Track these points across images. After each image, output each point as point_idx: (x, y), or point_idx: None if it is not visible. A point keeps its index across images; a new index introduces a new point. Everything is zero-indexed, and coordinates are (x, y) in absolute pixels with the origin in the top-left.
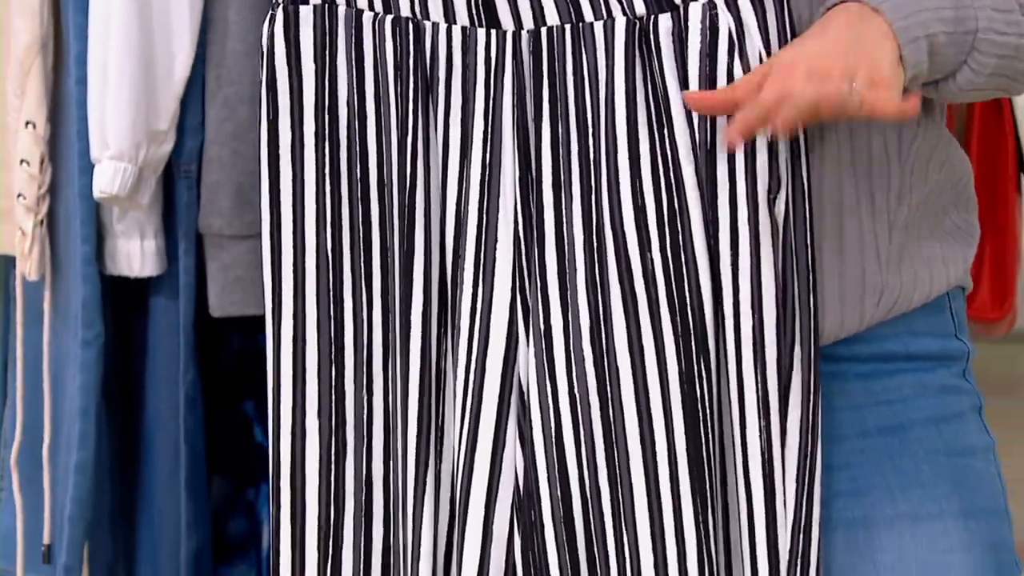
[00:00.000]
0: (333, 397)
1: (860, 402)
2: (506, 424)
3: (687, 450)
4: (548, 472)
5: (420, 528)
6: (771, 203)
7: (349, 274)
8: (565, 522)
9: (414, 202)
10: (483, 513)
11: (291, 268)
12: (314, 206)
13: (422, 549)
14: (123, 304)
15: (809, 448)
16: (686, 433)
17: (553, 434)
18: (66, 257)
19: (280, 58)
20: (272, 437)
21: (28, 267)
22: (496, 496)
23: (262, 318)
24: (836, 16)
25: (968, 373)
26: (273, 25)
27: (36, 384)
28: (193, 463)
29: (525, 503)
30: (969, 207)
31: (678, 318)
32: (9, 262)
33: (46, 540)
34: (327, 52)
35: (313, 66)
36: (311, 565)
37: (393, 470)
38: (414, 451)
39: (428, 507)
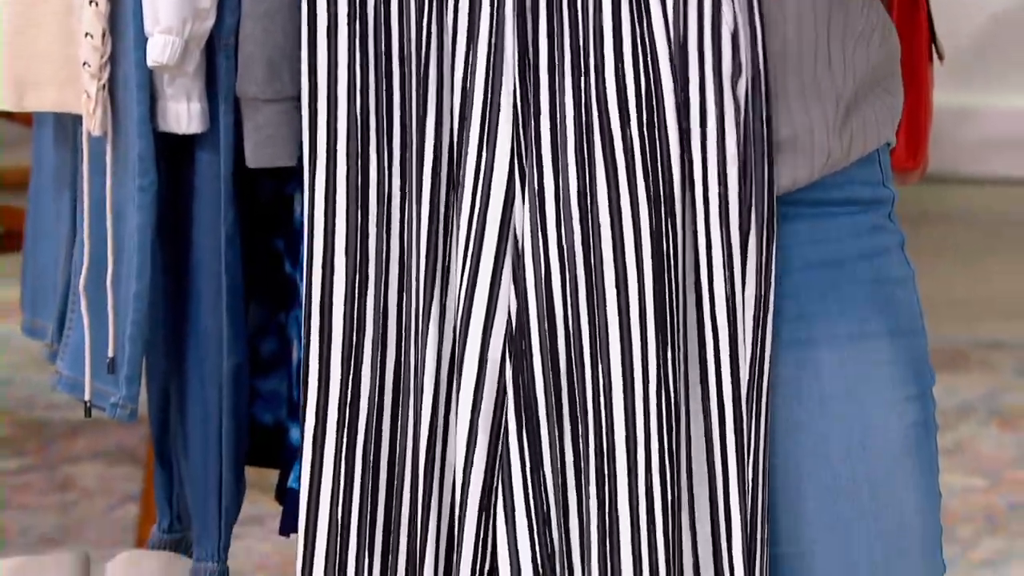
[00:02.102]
0: (358, 237)
1: (805, 240)
2: (502, 268)
3: (653, 295)
4: (537, 310)
5: (425, 349)
6: (734, 86)
7: (374, 134)
8: (551, 353)
9: (427, 76)
10: (480, 341)
11: (325, 128)
12: (346, 75)
13: (426, 368)
14: (173, 157)
15: (764, 292)
16: (654, 281)
17: (543, 278)
18: (124, 117)
19: None
20: (305, 271)
21: (92, 124)
22: (491, 328)
23: (291, 169)
24: None
25: (892, 215)
26: None
27: (100, 224)
28: (233, 291)
29: (516, 335)
30: (898, 74)
31: (651, 185)
32: (76, 120)
33: (110, 354)
34: None
35: None
36: (335, 377)
37: (406, 301)
38: (422, 285)
39: (433, 332)
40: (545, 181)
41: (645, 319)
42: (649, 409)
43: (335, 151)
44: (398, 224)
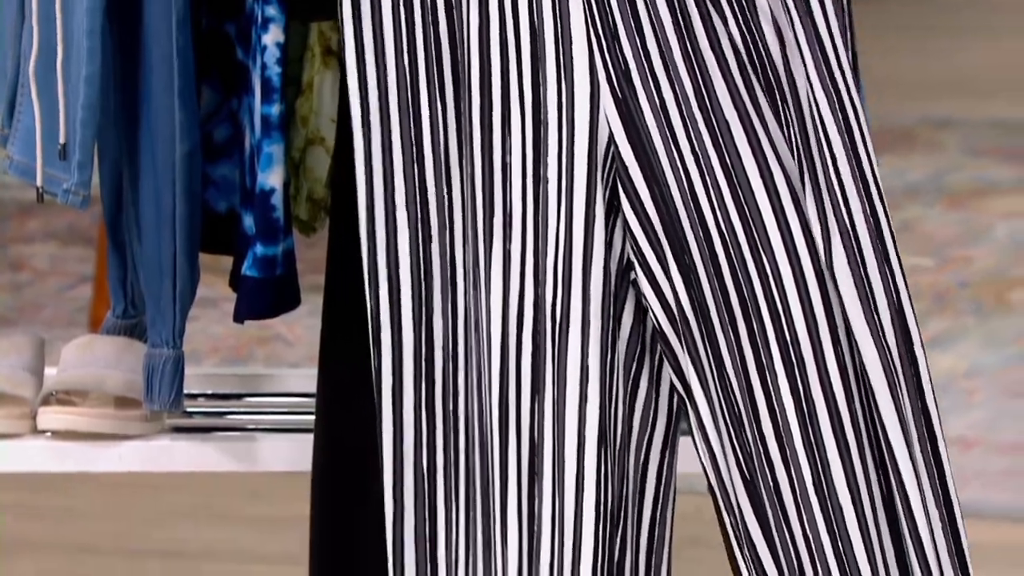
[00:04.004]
0: (417, 190)
1: None
2: (595, 189)
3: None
4: (662, 220)
5: (490, 296)
6: None
7: (424, 87)
8: (707, 258)
9: (486, 18)
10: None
11: (375, 84)
12: (392, 27)
13: (492, 315)
14: None
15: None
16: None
17: (663, 186)
18: None
19: None
20: (366, 229)
21: None
22: (606, 254)
23: None
24: None
25: None
26: None
27: (49, 7)
28: (184, 74)
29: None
30: None
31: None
32: None
33: (61, 140)
34: None
35: None
36: (408, 329)
37: (472, 249)
38: (481, 231)
39: (496, 279)
40: (640, 99)
41: (802, 212)
42: (825, 285)
43: (387, 106)
44: (457, 173)
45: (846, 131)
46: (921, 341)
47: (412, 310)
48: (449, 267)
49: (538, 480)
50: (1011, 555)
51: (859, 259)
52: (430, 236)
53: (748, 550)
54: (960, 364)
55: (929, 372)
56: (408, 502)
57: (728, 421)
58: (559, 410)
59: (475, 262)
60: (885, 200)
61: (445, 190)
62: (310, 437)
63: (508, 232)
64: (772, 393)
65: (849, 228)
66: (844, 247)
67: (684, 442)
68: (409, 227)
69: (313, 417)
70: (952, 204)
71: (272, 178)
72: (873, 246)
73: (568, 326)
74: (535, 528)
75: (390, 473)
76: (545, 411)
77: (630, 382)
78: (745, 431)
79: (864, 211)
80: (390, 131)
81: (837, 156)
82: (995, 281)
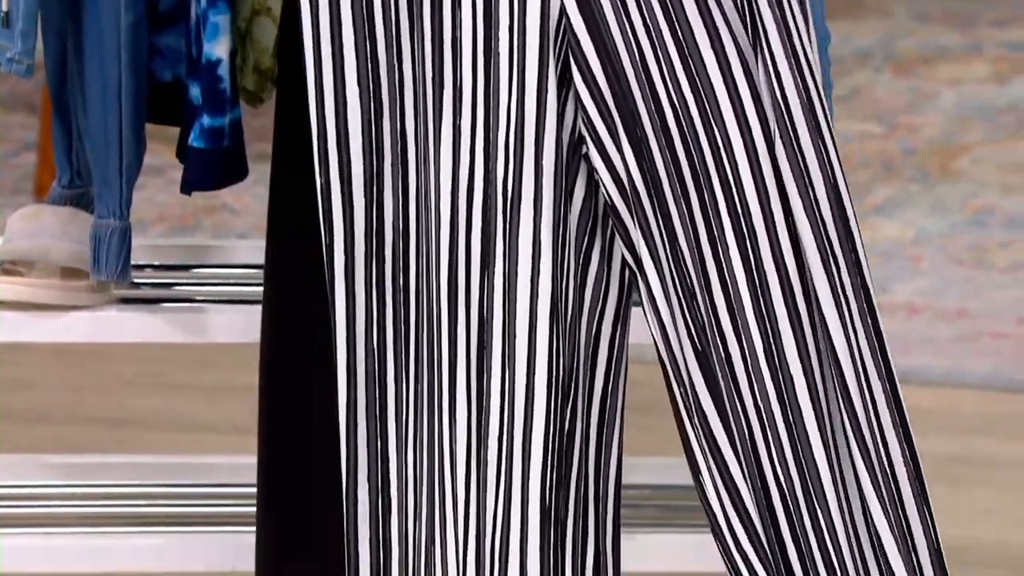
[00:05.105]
0: (369, 64)
1: None
2: (548, 58)
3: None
4: (608, 81)
5: (439, 173)
6: None
7: None
8: (656, 121)
9: None
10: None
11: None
12: None
13: (441, 190)
14: None
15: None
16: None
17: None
18: None
19: None
20: (315, 103)
21: None
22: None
23: None
24: None
25: None
26: None
27: None
28: None
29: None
30: None
31: None
32: None
33: (4, 8)
34: None
35: None
36: (359, 207)
37: (422, 123)
38: (431, 105)
39: (446, 154)
40: None
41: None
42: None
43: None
44: (408, 49)
45: (777, 3)
46: (855, 216)
47: (364, 188)
48: (400, 142)
49: (486, 354)
50: (954, 420)
51: (792, 134)
52: (381, 112)
53: (699, 420)
54: (906, 231)
55: (864, 247)
56: (360, 379)
57: (680, 294)
58: (510, 283)
59: (425, 138)
60: (817, 73)
61: (396, 65)
62: (258, 308)
63: (458, 107)
64: (724, 265)
65: (782, 103)
66: (776, 121)
67: (636, 312)
68: (361, 104)
69: (261, 288)
70: (900, 71)
71: (218, 48)
72: (806, 120)
73: (520, 200)
74: (484, 403)
75: (344, 352)
76: (495, 286)
77: (581, 255)
78: (697, 303)
79: (796, 84)
80: (339, 6)
81: (768, 29)
82: (941, 148)
